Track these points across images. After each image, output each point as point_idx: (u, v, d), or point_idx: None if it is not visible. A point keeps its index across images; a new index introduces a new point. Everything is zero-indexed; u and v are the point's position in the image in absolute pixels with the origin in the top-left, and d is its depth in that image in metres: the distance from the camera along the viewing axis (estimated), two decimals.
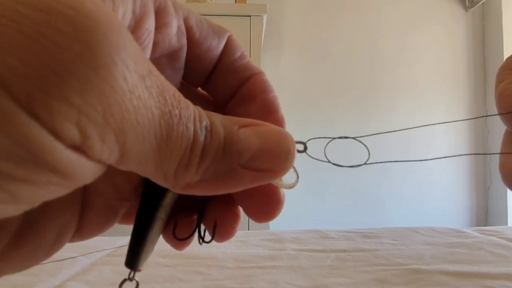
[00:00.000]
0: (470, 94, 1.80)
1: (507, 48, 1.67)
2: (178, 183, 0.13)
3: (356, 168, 0.17)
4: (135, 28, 0.13)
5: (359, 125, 1.71)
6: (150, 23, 0.14)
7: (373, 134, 0.19)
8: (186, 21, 0.16)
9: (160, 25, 0.15)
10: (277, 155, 0.14)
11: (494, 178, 1.74)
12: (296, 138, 0.15)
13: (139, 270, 0.16)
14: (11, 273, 0.14)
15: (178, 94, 0.12)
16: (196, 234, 0.17)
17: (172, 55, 0.16)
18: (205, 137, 0.12)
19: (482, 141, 1.79)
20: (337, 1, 1.76)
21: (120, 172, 0.14)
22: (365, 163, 0.17)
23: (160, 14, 0.15)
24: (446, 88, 1.79)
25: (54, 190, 0.10)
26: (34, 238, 0.14)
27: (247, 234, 0.65)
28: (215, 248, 0.54)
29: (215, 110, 0.14)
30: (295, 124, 1.65)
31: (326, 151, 0.17)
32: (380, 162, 0.18)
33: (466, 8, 1.81)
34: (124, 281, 0.16)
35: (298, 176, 0.16)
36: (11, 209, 0.10)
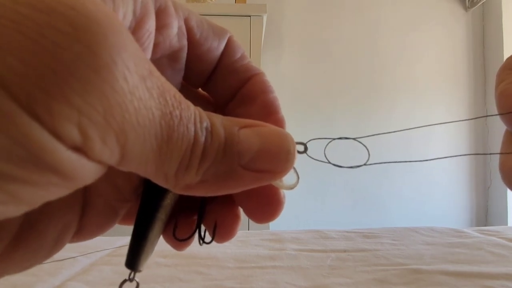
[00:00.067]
0: (470, 94, 1.80)
1: (507, 48, 1.67)
2: (179, 184, 0.13)
3: (356, 168, 0.17)
4: (136, 28, 0.13)
5: (359, 125, 1.71)
6: (150, 24, 0.14)
7: (373, 135, 0.19)
8: (186, 21, 0.16)
9: (160, 26, 0.15)
10: (278, 156, 0.14)
11: (494, 178, 1.74)
12: (296, 138, 0.15)
13: (140, 271, 0.16)
14: (12, 273, 0.14)
15: (178, 95, 0.12)
16: (196, 235, 0.17)
17: (172, 56, 0.16)
18: (206, 138, 0.12)
19: (482, 141, 1.79)
20: (337, 1, 1.76)
21: (121, 173, 0.14)
22: (365, 164, 0.17)
23: (160, 15, 0.15)
24: (446, 88, 1.79)
25: (55, 191, 0.10)
26: (35, 239, 0.14)
27: (247, 234, 0.65)
28: (215, 248, 0.54)
29: (215, 111, 0.14)
30: (295, 124, 1.65)
31: (326, 152, 0.17)
32: (380, 163, 0.18)
33: (466, 8, 1.81)
34: (124, 281, 0.16)
35: (298, 177, 0.16)
36: (11, 210, 0.10)
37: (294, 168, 0.15)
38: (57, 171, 0.09)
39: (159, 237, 0.17)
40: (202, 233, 0.17)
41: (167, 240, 0.18)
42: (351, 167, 0.17)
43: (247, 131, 0.13)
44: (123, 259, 0.16)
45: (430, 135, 1.73)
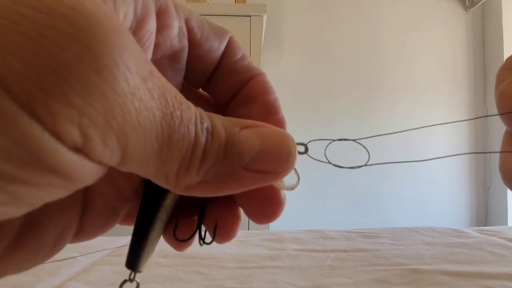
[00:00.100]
0: (470, 94, 1.80)
1: (507, 48, 1.67)
2: (179, 185, 0.13)
3: (356, 169, 0.17)
4: (137, 29, 0.13)
5: (359, 125, 1.71)
6: (151, 25, 0.14)
7: (372, 136, 0.19)
8: (187, 22, 0.16)
9: (161, 27, 0.15)
10: (278, 157, 0.14)
11: (494, 178, 1.74)
12: (296, 138, 0.15)
13: (140, 271, 0.16)
14: (12, 274, 0.14)
15: (179, 96, 0.12)
16: (197, 235, 0.17)
17: (173, 57, 0.16)
18: (206, 138, 0.12)
19: (482, 141, 1.79)
20: (337, 1, 1.76)
21: (121, 173, 0.14)
22: (365, 164, 0.17)
23: (161, 15, 0.15)
24: (446, 88, 1.79)
25: (55, 192, 0.10)
26: (35, 239, 0.14)
27: (247, 234, 0.65)
28: (215, 248, 0.54)
29: (216, 111, 0.14)
30: (295, 124, 1.65)
31: (326, 152, 0.17)
32: (380, 164, 0.18)
33: (466, 8, 1.81)
34: (124, 282, 0.16)
35: (299, 178, 0.16)
36: (12, 211, 0.10)
37: (295, 169, 0.15)
38: (58, 172, 0.09)
39: (159, 237, 0.17)
40: (203, 234, 0.17)
41: (168, 240, 0.18)
42: (351, 167, 0.17)
43: (248, 132, 0.13)
44: (123, 259, 0.16)
45: (430, 135, 1.73)
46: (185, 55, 0.16)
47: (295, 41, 1.74)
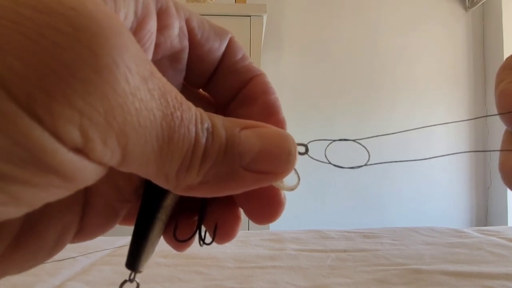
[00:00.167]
0: (470, 94, 1.80)
1: (507, 48, 1.67)
2: (180, 185, 0.13)
3: (356, 169, 0.17)
4: (137, 29, 0.13)
5: (359, 125, 1.71)
6: (152, 25, 0.14)
7: (373, 137, 0.19)
8: (188, 22, 0.16)
9: (162, 27, 0.15)
10: (279, 157, 0.14)
11: (494, 178, 1.75)
12: (296, 138, 0.15)
13: (140, 271, 0.16)
14: (12, 274, 0.14)
15: (180, 96, 0.12)
16: (197, 236, 0.17)
17: (174, 57, 0.16)
18: (207, 139, 0.12)
19: (482, 141, 1.79)
20: (337, 1, 1.76)
21: (121, 174, 0.14)
22: (365, 164, 0.17)
23: (162, 16, 0.15)
24: (446, 88, 1.79)
25: (56, 192, 0.10)
26: (35, 240, 0.14)
27: (247, 234, 0.65)
28: (215, 248, 0.54)
29: (216, 112, 0.14)
30: (295, 124, 1.65)
31: (326, 153, 0.17)
32: (380, 163, 0.18)
33: (466, 8, 1.81)
34: (124, 282, 0.16)
35: (299, 178, 0.16)
36: (11, 211, 0.10)
37: (295, 169, 0.15)
38: (58, 173, 0.09)
39: (159, 237, 0.17)
40: (203, 234, 0.17)
41: (168, 241, 0.18)
42: (351, 167, 0.17)
43: (248, 132, 0.13)
44: (123, 259, 0.16)
45: (430, 135, 1.73)
46: (185, 55, 0.16)
47: (295, 41, 1.74)
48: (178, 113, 0.11)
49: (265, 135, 0.14)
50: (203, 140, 0.12)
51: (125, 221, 0.17)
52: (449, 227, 0.69)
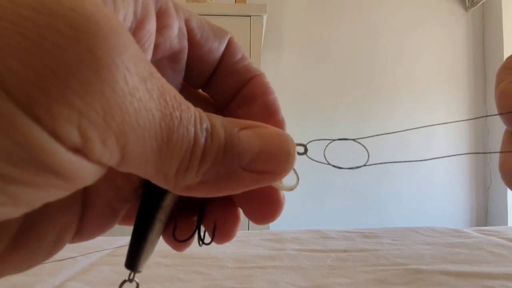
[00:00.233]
0: (470, 94, 1.80)
1: (507, 48, 1.67)
2: (179, 185, 0.13)
3: (356, 169, 0.17)
4: (136, 30, 0.13)
5: (359, 125, 1.71)
6: (151, 25, 0.14)
7: (372, 136, 0.19)
8: (187, 23, 0.16)
9: (161, 27, 0.15)
10: (278, 157, 0.14)
11: (494, 178, 1.74)
12: (295, 138, 0.15)
13: (139, 271, 0.16)
14: (12, 274, 0.14)
15: (179, 96, 0.12)
16: (196, 236, 0.17)
17: (173, 57, 0.16)
18: (206, 139, 0.12)
19: (482, 141, 1.79)
20: (337, 1, 1.76)
21: (121, 174, 0.14)
22: (364, 165, 0.17)
23: (161, 16, 0.15)
24: (446, 88, 1.79)
25: (55, 192, 0.10)
26: (34, 240, 0.14)
27: (247, 234, 0.65)
28: (215, 248, 0.54)
29: (215, 112, 0.14)
30: (295, 124, 1.65)
31: (326, 153, 0.17)
32: (380, 163, 0.18)
33: (466, 8, 1.81)
34: (124, 282, 0.16)
35: (298, 178, 0.16)
36: (11, 211, 0.10)
37: (294, 169, 0.15)
38: (57, 173, 0.09)
39: (159, 237, 0.17)
40: (202, 234, 0.17)
41: (167, 240, 0.18)
42: (351, 168, 0.17)
43: (247, 132, 0.13)
44: (123, 259, 0.16)
45: (430, 135, 1.73)
46: (185, 55, 0.16)
47: (295, 41, 1.74)
48: (177, 113, 0.11)
49: (264, 135, 0.14)
50: (202, 140, 0.12)
51: (124, 221, 0.17)
52: (449, 227, 0.69)
